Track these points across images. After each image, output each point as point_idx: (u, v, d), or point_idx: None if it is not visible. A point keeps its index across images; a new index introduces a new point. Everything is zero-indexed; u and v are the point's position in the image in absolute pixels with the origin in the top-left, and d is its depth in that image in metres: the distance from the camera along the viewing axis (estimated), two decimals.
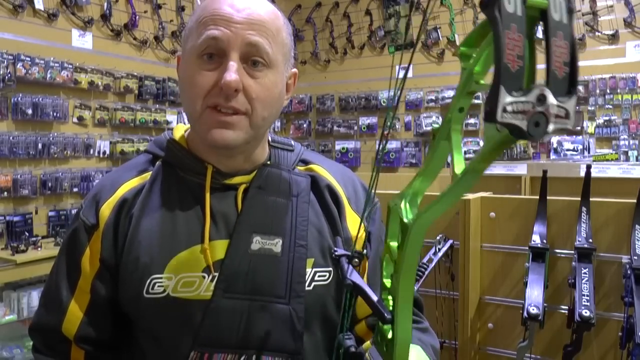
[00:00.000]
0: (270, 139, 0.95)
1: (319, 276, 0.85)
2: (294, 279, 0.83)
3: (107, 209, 0.86)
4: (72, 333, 0.86)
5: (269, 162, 0.90)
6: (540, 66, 0.40)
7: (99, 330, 0.87)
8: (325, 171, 0.94)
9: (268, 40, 0.81)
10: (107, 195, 0.87)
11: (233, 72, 0.77)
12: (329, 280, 0.86)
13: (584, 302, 1.43)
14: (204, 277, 0.81)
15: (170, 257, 0.82)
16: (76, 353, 0.87)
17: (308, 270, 0.84)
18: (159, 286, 0.81)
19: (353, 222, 0.90)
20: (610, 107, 4.18)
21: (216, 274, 0.81)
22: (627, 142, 4.13)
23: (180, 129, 0.93)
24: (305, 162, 0.95)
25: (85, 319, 0.86)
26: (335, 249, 0.67)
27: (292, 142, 0.97)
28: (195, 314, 0.80)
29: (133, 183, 0.88)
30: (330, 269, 0.86)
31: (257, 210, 0.85)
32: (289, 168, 0.91)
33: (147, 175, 0.88)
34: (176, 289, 0.81)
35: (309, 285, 0.84)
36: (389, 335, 0.58)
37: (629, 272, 1.47)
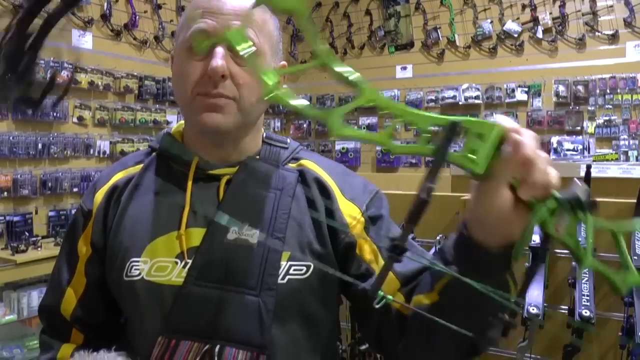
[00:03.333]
0: (264, 135, 0.97)
1: (294, 270, 0.84)
2: (266, 271, 0.82)
3: (100, 195, 0.92)
4: (68, 314, 0.91)
5: (257, 157, 0.91)
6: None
7: (92, 313, 0.91)
8: (315, 165, 0.93)
9: (253, 29, 0.83)
10: (103, 183, 0.93)
11: (219, 59, 0.80)
12: (306, 275, 0.84)
13: (584, 302, 1.43)
14: (176, 262, 0.83)
15: (148, 242, 0.85)
16: (76, 337, 0.91)
17: (283, 263, 0.83)
18: (135, 269, 0.84)
19: (349, 209, 0.88)
20: (610, 107, 4.18)
21: (189, 261, 0.82)
22: (627, 142, 4.13)
23: (179, 125, 0.97)
24: (297, 160, 0.95)
25: (80, 301, 0.91)
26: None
27: (288, 140, 0.98)
28: (166, 299, 0.82)
29: (127, 172, 0.93)
30: (309, 263, 0.84)
31: (237, 201, 0.86)
32: (278, 163, 0.91)
33: (141, 166, 0.93)
34: (150, 273, 0.83)
35: (282, 279, 0.82)
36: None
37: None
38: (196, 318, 0.81)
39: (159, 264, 0.83)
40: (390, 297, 0.56)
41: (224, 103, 0.82)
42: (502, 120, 0.58)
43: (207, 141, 0.88)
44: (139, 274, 0.83)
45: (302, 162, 0.94)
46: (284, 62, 0.94)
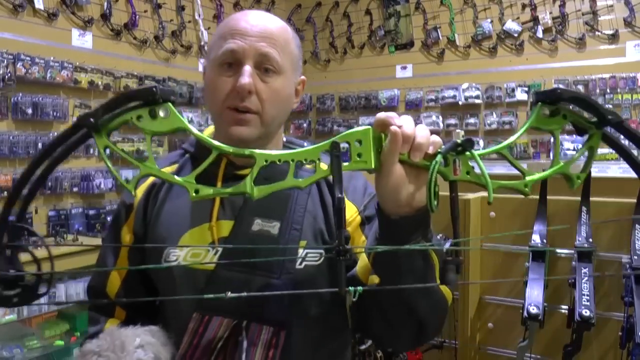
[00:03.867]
0: (285, 139, 1.08)
1: (309, 257, 0.95)
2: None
3: (140, 191, 1.03)
4: (113, 293, 1.03)
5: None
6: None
7: (133, 293, 1.03)
8: (327, 167, 1.00)
9: (277, 50, 0.94)
10: (143, 180, 1.03)
11: (247, 77, 0.91)
12: (319, 261, 0.95)
13: (584, 301, 1.43)
14: (208, 250, 0.95)
15: (184, 232, 0.97)
16: (119, 313, 1.04)
17: (300, 250, 0.95)
18: (173, 255, 0.96)
19: (348, 209, 0.98)
20: (610, 106, 4.17)
21: (220, 249, 0.95)
22: (627, 142, 4.12)
23: (208, 130, 1.08)
24: (313, 162, 1.02)
25: (123, 282, 1.03)
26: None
27: (305, 144, 1.08)
28: (200, 281, 0.94)
29: (164, 170, 1.02)
30: (321, 251, 0.95)
31: (260, 197, 0.93)
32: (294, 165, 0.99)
33: (176, 165, 1.05)
34: (186, 259, 0.95)
35: (299, 264, 0.95)
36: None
37: (629, 271, 1.48)
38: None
39: (194, 251, 0.96)
40: (360, 288, 0.67)
41: (249, 118, 0.94)
42: (379, 115, 0.72)
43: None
44: (176, 259, 0.96)
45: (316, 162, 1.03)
46: (303, 77, 1.05)
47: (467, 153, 0.68)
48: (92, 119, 0.63)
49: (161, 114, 0.65)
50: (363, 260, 0.94)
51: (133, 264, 1.02)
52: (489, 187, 0.67)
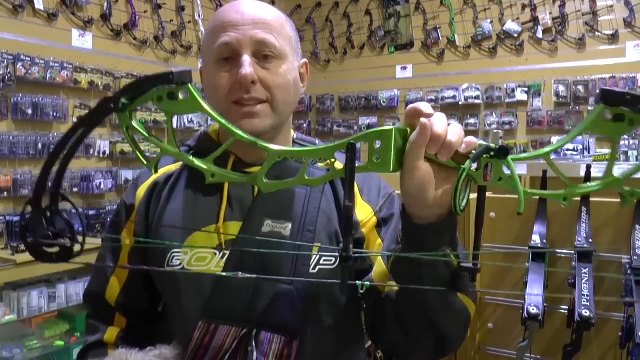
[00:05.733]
0: (295, 136, 1.02)
1: (324, 260, 0.88)
2: (299, 262, 0.87)
3: (142, 190, 0.97)
4: (113, 300, 0.97)
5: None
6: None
7: (134, 299, 0.97)
8: (342, 165, 0.95)
9: (273, 35, 0.88)
10: (144, 179, 0.98)
11: (247, 66, 0.85)
12: (335, 265, 0.88)
13: (584, 302, 1.43)
14: (215, 253, 0.88)
15: (188, 234, 0.90)
16: (119, 321, 0.98)
17: (314, 254, 0.88)
18: (176, 259, 0.89)
19: (362, 210, 0.94)
20: None
21: (227, 252, 0.88)
22: (627, 142, 4.13)
23: (216, 125, 1.00)
24: (326, 160, 0.99)
25: (124, 288, 0.97)
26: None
27: (317, 142, 1.04)
28: (206, 287, 0.87)
29: (167, 169, 0.98)
30: (337, 254, 0.87)
31: (271, 197, 0.85)
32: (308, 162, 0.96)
33: (180, 163, 0.98)
34: (190, 263, 0.88)
35: (313, 269, 0.87)
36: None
37: (629, 272, 1.47)
38: (234, 305, 0.85)
39: (199, 254, 0.89)
40: (367, 282, 0.67)
41: (259, 109, 0.87)
42: (411, 106, 0.66)
43: (244, 143, 0.91)
44: (180, 263, 0.89)
45: (330, 161, 0.98)
46: (305, 60, 0.99)
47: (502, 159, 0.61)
48: (112, 104, 0.66)
49: (181, 96, 0.65)
50: (380, 265, 0.87)
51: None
52: (521, 197, 0.61)
